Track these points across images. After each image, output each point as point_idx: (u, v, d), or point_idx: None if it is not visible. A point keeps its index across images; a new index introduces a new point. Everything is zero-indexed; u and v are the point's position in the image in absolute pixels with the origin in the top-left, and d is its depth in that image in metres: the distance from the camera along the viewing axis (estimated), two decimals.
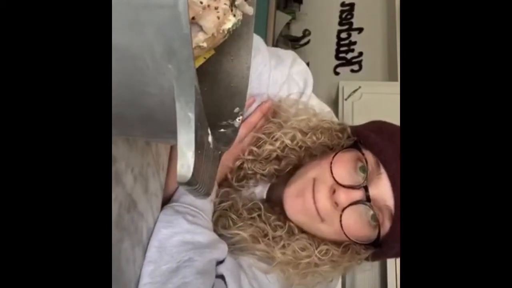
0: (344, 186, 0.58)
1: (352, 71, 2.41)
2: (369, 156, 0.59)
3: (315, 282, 0.63)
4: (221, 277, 0.59)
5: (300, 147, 0.66)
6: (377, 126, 0.65)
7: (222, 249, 0.60)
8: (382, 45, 2.39)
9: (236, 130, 0.40)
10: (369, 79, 2.27)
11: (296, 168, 0.67)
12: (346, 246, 0.63)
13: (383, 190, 0.57)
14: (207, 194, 0.29)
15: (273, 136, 0.66)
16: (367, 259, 0.64)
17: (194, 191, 0.28)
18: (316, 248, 0.62)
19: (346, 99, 1.98)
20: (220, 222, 0.65)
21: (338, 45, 2.48)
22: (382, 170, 0.57)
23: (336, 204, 0.58)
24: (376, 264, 1.75)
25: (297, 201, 0.62)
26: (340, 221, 0.58)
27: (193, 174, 0.26)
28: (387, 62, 2.33)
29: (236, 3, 0.39)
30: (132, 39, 0.23)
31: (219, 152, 0.32)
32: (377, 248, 0.62)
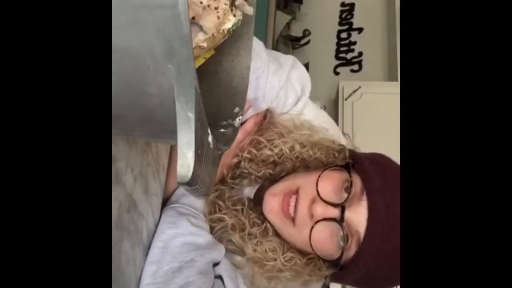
0: (324, 201, 0.60)
1: (352, 71, 2.41)
2: (357, 181, 0.61)
3: (276, 286, 0.65)
4: (219, 277, 0.60)
5: (297, 157, 0.68)
6: (375, 158, 0.67)
7: (220, 251, 0.62)
8: (382, 45, 2.39)
9: (236, 130, 0.40)
10: (369, 79, 2.26)
11: (288, 174, 0.69)
12: (310, 258, 0.64)
13: (359, 216, 0.58)
14: (206, 194, 0.30)
15: (273, 143, 0.68)
16: (325, 277, 0.66)
17: (194, 191, 0.28)
18: (283, 254, 0.64)
19: (346, 99, 1.97)
20: (208, 209, 0.67)
21: (338, 45, 2.47)
22: (364, 198, 0.59)
23: (311, 215, 0.60)
24: None
25: (275, 199, 0.64)
26: (310, 231, 0.60)
27: (193, 174, 0.26)
28: (387, 62, 2.33)
29: (236, 3, 0.39)
30: (132, 39, 0.23)
31: (219, 152, 0.32)
32: (337, 269, 0.63)
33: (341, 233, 0.59)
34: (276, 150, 0.67)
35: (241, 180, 0.71)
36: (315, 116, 0.73)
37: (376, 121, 1.78)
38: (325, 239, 0.60)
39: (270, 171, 0.69)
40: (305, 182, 0.63)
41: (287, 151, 0.67)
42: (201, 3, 0.35)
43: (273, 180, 0.70)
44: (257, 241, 0.64)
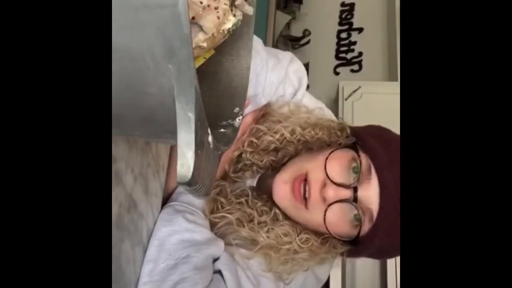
0: (334, 183, 0.60)
1: (352, 71, 2.41)
2: (364, 159, 0.61)
3: (292, 270, 0.65)
4: (219, 272, 0.60)
5: (299, 140, 0.68)
6: (377, 132, 0.67)
7: (218, 246, 0.62)
8: (382, 45, 2.39)
9: (236, 130, 0.40)
10: (369, 79, 2.27)
11: (291, 159, 0.69)
12: (325, 238, 0.65)
13: (371, 194, 0.59)
14: (207, 194, 0.30)
15: (273, 129, 0.68)
16: (342, 254, 0.67)
17: (194, 191, 0.28)
18: (298, 236, 0.65)
19: (346, 99, 1.97)
20: (208, 208, 0.66)
21: (338, 45, 2.48)
22: (374, 175, 0.59)
23: (324, 198, 0.60)
24: (376, 264, 1.75)
25: (286, 187, 0.64)
26: (324, 215, 0.60)
27: (193, 174, 0.26)
28: (387, 62, 2.33)
29: (236, 3, 0.39)
30: (132, 39, 0.23)
31: (219, 152, 0.32)
32: (353, 246, 0.64)
33: (355, 211, 0.60)
34: (277, 136, 0.68)
35: (243, 173, 0.71)
36: (313, 106, 0.74)
37: (376, 121, 1.77)
38: (339, 220, 0.61)
39: (273, 158, 0.69)
40: (313, 165, 0.63)
41: (288, 135, 0.67)
42: (201, 3, 0.35)
43: (275, 167, 0.70)
44: (269, 228, 0.65)
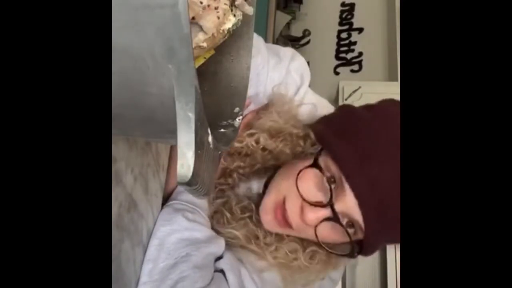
0: (310, 204, 0.57)
1: (352, 71, 2.41)
2: (333, 168, 0.57)
3: (308, 281, 0.64)
4: (221, 271, 0.60)
5: (264, 149, 0.65)
6: (342, 125, 0.62)
7: (219, 244, 0.61)
8: (382, 45, 2.39)
9: (236, 130, 0.40)
10: (369, 79, 2.26)
11: (280, 164, 0.67)
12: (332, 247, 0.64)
13: (349, 206, 0.56)
14: (207, 194, 0.30)
15: (240, 136, 0.66)
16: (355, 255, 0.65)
17: (194, 191, 0.28)
18: (304, 251, 0.63)
19: (346, 99, 1.97)
20: (215, 218, 0.66)
21: (338, 45, 2.47)
22: (346, 185, 0.56)
23: (306, 224, 0.58)
24: (376, 264, 1.75)
25: (268, 217, 0.62)
26: (316, 235, 0.59)
27: (193, 174, 0.26)
28: (387, 62, 2.33)
29: (236, 3, 0.39)
30: (132, 39, 0.23)
31: (219, 152, 0.32)
32: (358, 251, 0.62)
33: (342, 227, 0.57)
34: (244, 143, 0.66)
35: (225, 180, 0.68)
36: (315, 104, 0.72)
37: None
38: (331, 234, 0.59)
39: (242, 163, 0.67)
40: (287, 188, 0.60)
41: (253, 143, 0.65)
42: (201, 3, 0.35)
43: (257, 172, 0.69)
44: (275, 247, 0.63)
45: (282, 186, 0.62)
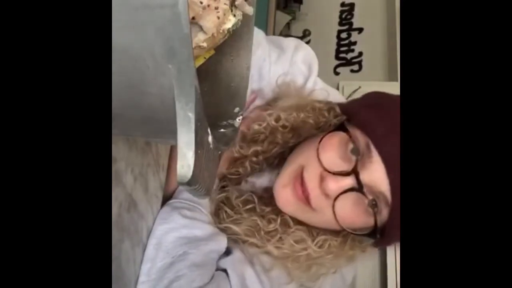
0: (332, 173, 0.53)
1: (352, 71, 2.41)
2: (360, 137, 0.53)
3: (318, 274, 0.60)
4: (225, 270, 0.58)
5: (284, 126, 0.61)
6: (373, 100, 0.59)
7: (220, 241, 0.59)
8: (382, 45, 2.39)
9: (236, 130, 0.40)
10: (369, 79, 2.27)
11: (291, 150, 0.64)
12: (345, 236, 0.59)
13: (376, 175, 0.51)
14: (207, 194, 0.30)
15: (260, 116, 0.63)
16: (372, 246, 0.61)
17: (194, 191, 0.28)
18: (313, 240, 0.59)
19: (346, 99, 1.97)
20: (217, 215, 0.64)
21: (338, 45, 2.47)
22: (374, 152, 0.51)
23: (326, 193, 0.53)
24: (376, 264, 1.76)
25: (286, 191, 0.58)
26: (333, 211, 0.53)
27: (193, 174, 0.26)
28: (387, 62, 2.33)
29: (236, 3, 0.39)
30: (132, 39, 0.23)
31: (219, 152, 0.32)
32: (377, 237, 0.57)
33: (366, 200, 0.52)
34: (264, 124, 0.62)
35: (236, 170, 0.66)
36: (327, 90, 0.70)
37: None
38: (351, 213, 0.54)
39: (260, 147, 0.63)
40: (306, 158, 0.56)
41: (273, 122, 0.61)
42: (201, 3, 0.35)
43: (270, 162, 0.65)
44: (279, 237, 0.59)
45: (302, 156, 0.58)
